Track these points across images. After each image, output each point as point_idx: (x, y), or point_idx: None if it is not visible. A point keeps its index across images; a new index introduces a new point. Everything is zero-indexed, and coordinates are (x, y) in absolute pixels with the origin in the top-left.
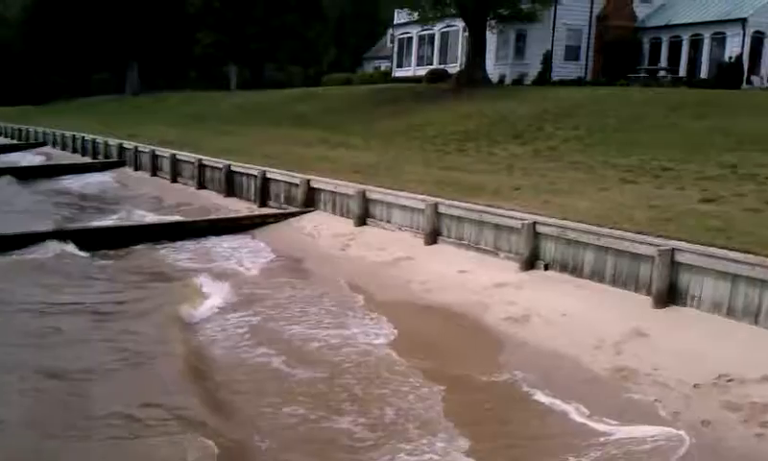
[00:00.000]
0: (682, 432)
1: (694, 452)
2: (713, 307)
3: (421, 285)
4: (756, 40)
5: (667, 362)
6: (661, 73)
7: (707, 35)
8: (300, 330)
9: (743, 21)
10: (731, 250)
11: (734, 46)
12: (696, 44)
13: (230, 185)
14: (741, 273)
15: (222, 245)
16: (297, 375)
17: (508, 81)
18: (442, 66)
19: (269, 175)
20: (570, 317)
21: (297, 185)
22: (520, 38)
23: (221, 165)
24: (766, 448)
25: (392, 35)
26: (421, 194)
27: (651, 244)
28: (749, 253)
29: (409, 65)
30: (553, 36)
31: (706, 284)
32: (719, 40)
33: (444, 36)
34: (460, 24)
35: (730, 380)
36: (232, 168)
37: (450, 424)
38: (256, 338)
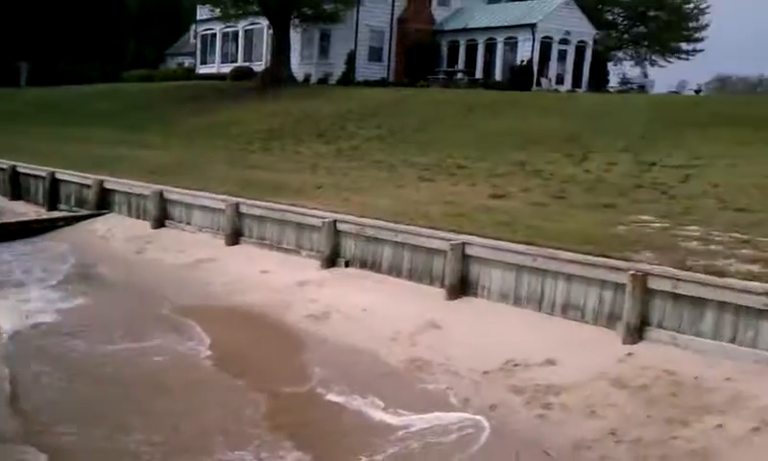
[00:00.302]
0: (479, 417)
1: (488, 437)
2: (501, 297)
3: (224, 287)
4: (546, 45)
5: (459, 351)
6: (459, 75)
7: (500, 39)
8: (93, 342)
9: (533, 26)
10: (516, 242)
11: (525, 50)
12: (491, 48)
13: (16, 188)
14: (525, 264)
15: (7, 251)
16: (82, 390)
17: (313, 80)
18: (247, 64)
19: (58, 176)
20: (369, 312)
21: (89, 186)
22: (325, 38)
23: (5, 166)
24: (547, 427)
25: (195, 30)
26: (224, 194)
27: (444, 239)
28: (532, 244)
29: (213, 62)
30: (356, 37)
31: (494, 275)
32: (512, 44)
33: (249, 33)
34: (264, 22)
35: (516, 365)
36: (18, 169)
37: (256, 431)
38: (42, 354)
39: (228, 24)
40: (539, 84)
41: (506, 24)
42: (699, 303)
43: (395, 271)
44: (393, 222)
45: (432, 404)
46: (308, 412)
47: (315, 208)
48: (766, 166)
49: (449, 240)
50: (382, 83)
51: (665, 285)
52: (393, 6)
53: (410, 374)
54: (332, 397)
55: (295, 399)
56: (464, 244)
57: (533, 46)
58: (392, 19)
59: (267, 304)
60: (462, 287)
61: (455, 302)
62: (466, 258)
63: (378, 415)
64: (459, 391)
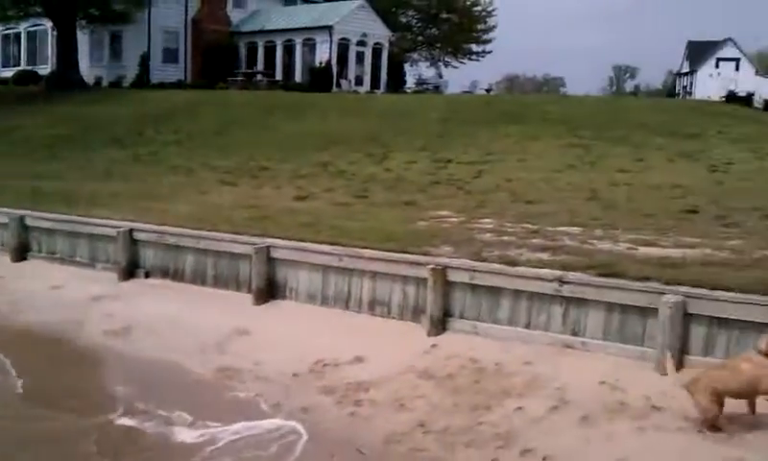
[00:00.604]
0: (292, 422)
1: (302, 441)
2: (309, 298)
3: (12, 306)
4: (343, 47)
5: (269, 356)
6: (259, 76)
7: (298, 40)
8: None
9: (330, 28)
10: (321, 243)
11: (324, 52)
12: (289, 49)
13: None
14: (331, 264)
15: None
16: None
17: (105, 83)
18: (31, 67)
19: None
20: (174, 323)
21: None
22: (116, 40)
23: None
24: (359, 425)
25: None
26: (7, 206)
27: (248, 243)
28: (337, 244)
29: None
30: (149, 38)
31: (301, 277)
32: (310, 46)
33: (32, 35)
34: (48, 23)
35: (325, 365)
36: None
37: None
38: None
39: (7, 26)
40: (338, 85)
41: (303, 26)
42: (495, 292)
43: (199, 279)
44: (195, 228)
45: (243, 413)
46: (112, 436)
47: (109, 218)
48: (552, 161)
49: (254, 244)
50: (179, 85)
51: (464, 277)
52: (186, 6)
53: (219, 383)
54: (137, 416)
55: (95, 423)
56: (269, 247)
57: (331, 48)
58: (186, 20)
59: (61, 322)
60: (269, 291)
61: (263, 306)
62: (271, 262)
63: (185, 432)
64: (270, 397)
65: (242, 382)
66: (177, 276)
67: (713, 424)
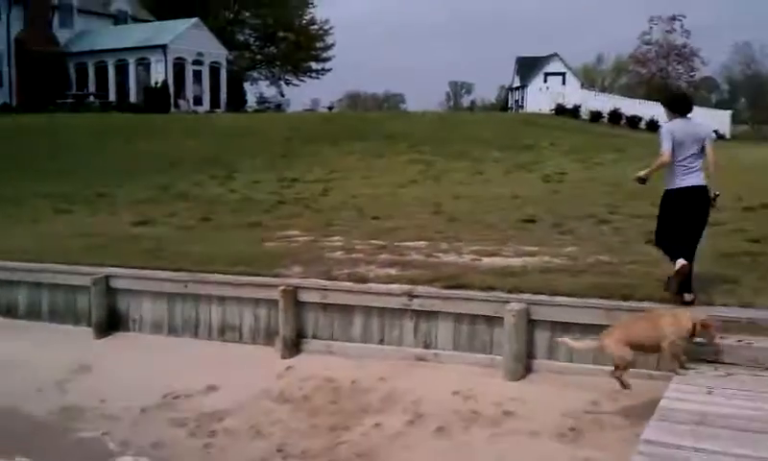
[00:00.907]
0: (142, 459)
1: None
2: (155, 328)
3: None
4: (179, 66)
5: (114, 392)
6: (91, 98)
7: (131, 60)
8: None
9: (164, 47)
10: (165, 270)
11: (159, 72)
12: (122, 69)
13: None
14: (176, 291)
15: None
16: None
17: None
18: None
19: None
20: (7, 364)
21: None
22: None
23: None
24: (214, 456)
25: None
26: None
27: (85, 274)
28: (182, 270)
29: None
30: None
31: (145, 307)
32: (145, 66)
33: None
34: None
35: (176, 397)
36: None
37: None
38: None
39: None
40: (177, 105)
41: (136, 45)
42: (347, 310)
43: (34, 315)
44: (27, 261)
45: (89, 454)
46: None
47: None
48: (396, 176)
49: (91, 274)
50: (5, 108)
51: (315, 297)
52: (8, 26)
53: (62, 425)
54: None
55: None
56: (107, 277)
57: (166, 67)
58: (9, 40)
59: None
60: (111, 323)
61: (105, 340)
62: (111, 292)
63: None
64: (117, 434)
65: (87, 422)
66: (10, 313)
67: (623, 376)
